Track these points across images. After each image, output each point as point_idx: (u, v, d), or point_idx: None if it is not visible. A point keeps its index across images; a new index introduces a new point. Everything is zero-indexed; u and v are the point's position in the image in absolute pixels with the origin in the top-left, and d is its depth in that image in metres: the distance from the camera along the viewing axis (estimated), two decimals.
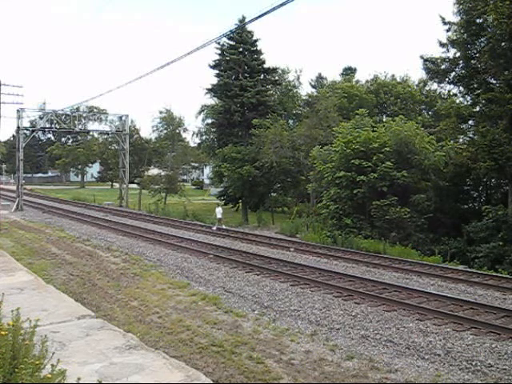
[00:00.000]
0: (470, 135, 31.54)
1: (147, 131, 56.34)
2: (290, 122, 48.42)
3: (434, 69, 31.29)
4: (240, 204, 42.00)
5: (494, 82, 27.79)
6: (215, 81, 42.58)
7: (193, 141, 57.75)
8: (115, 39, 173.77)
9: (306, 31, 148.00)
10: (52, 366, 4.62)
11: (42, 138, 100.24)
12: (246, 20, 36.17)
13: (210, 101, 50.17)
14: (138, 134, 53.17)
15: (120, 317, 11.38)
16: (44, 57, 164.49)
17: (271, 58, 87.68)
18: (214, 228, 28.65)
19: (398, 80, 52.04)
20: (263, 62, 42.03)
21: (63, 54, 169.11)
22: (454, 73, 30.48)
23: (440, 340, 9.90)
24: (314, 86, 60.19)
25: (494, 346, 9.55)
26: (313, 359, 9.09)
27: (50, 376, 4.51)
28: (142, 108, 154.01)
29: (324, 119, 35.28)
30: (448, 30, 29.81)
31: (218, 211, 29.94)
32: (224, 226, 29.45)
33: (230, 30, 37.03)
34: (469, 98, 31.03)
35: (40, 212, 38.17)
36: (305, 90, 63.97)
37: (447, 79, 31.22)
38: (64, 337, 7.96)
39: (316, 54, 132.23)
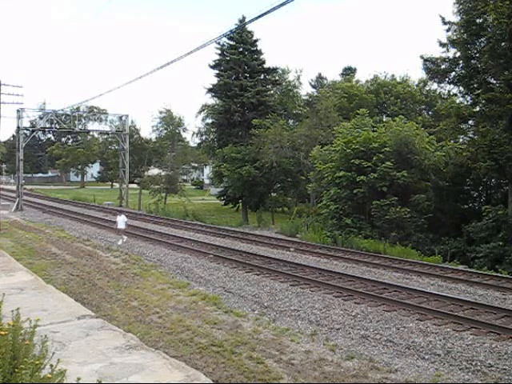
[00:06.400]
0: (470, 135, 31.48)
1: (147, 131, 56.43)
2: (290, 122, 48.40)
3: (434, 69, 31.25)
4: (240, 204, 42.00)
5: (494, 81, 27.75)
6: (215, 81, 42.59)
7: (193, 141, 57.78)
8: (115, 39, 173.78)
9: (305, 31, 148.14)
10: (51, 366, 4.62)
11: (42, 138, 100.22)
12: (246, 20, 36.14)
13: (210, 100, 50.23)
14: (138, 134, 53.13)
15: (120, 317, 11.37)
16: (44, 57, 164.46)
17: (271, 57, 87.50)
18: (120, 243, 21.93)
19: (398, 80, 51.97)
20: (263, 62, 42.01)
21: (63, 54, 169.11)
22: (454, 73, 30.42)
23: (440, 340, 9.89)
24: (314, 86, 60.15)
25: (493, 345, 9.54)
26: (313, 359, 9.09)
27: (49, 376, 4.52)
28: (142, 108, 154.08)
29: (324, 119, 35.27)
30: (448, 30, 29.77)
31: (121, 220, 22.51)
32: (124, 240, 22.16)
33: (230, 30, 37.07)
34: (469, 98, 30.97)
35: (40, 212, 38.16)
36: (305, 89, 64.11)
37: (447, 79, 31.16)
38: (64, 337, 7.97)
39: (316, 54, 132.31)
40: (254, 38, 41.72)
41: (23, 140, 40.31)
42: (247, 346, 9.65)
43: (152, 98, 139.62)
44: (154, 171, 52.05)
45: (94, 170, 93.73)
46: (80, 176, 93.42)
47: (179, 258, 18.86)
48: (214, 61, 42.35)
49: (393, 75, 54.05)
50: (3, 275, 13.16)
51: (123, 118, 45.97)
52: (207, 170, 68.66)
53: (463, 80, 29.54)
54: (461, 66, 29.76)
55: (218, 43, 40.98)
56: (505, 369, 8.57)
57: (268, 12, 12.18)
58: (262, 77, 42.33)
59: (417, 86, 51.64)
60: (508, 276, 17.31)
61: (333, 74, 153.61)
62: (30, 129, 43.92)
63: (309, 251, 21.54)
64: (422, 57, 31.44)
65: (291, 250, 21.83)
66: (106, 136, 66.19)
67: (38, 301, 10.37)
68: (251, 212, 39.80)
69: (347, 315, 11.61)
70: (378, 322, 11.07)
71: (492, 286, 15.08)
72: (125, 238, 22.34)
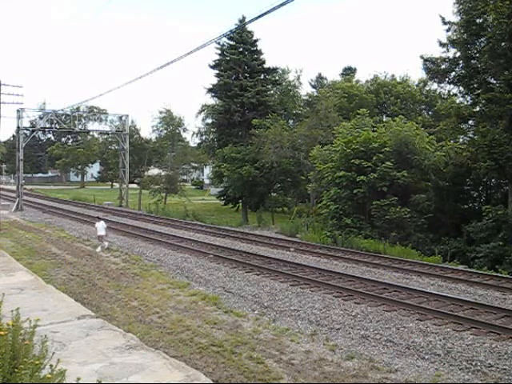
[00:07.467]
0: (470, 135, 31.50)
1: (147, 131, 56.37)
2: (290, 122, 48.36)
3: (434, 69, 31.27)
4: (240, 204, 42.00)
5: (494, 81, 27.77)
6: (215, 81, 42.61)
7: (193, 141, 57.72)
8: (115, 39, 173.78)
9: (306, 31, 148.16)
10: (51, 366, 4.62)
11: (42, 138, 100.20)
12: (246, 20, 36.14)
13: (211, 100, 50.16)
14: (138, 134, 53.11)
15: (120, 317, 11.37)
16: (44, 57, 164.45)
17: (271, 57, 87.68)
18: (98, 249, 20.81)
19: (398, 80, 51.97)
20: (263, 62, 42.03)
21: (63, 54, 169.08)
22: (454, 73, 30.45)
23: (440, 340, 9.89)
24: (314, 86, 60.14)
25: (493, 346, 9.54)
26: (313, 359, 9.09)
27: (49, 376, 4.51)
28: (142, 108, 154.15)
29: (324, 119, 35.26)
30: (448, 30, 29.80)
31: (100, 226, 21.42)
32: (107, 244, 21.19)
33: (230, 30, 37.08)
34: (469, 98, 31.00)
35: (40, 212, 38.15)
36: (305, 89, 63.98)
37: (447, 79, 31.19)
38: (64, 337, 7.96)
39: (316, 54, 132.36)
40: (254, 38, 41.74)
41: (23, 140, 40.32)
42: (247, 345, 9.65)
43: (152, 97, 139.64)
44: (154, 171, 52.06)
45: (94, 169, 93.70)
46: (80, 176, 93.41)
47: (179, 258, 18.85)
48: (214, 61, 42.38)
49: (393, 75, 54.11)
50: (3, 275, 13.16)
51: (123, 118, 45.96)
52: (207, 170, 68.61)
53: (463, 80, 29.56)
54: (461, 66, 29.78)
55: (218, 43, 41.05)
56: (505, 369, 8.57)
57: (268, 12, 12.20)
58: (262, 77, 42.33)
59: (417, 86, 51.64)
60: (508, 276, 17.31)
61: (333, 74, 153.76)
62: (30, 129, 43.91)
63: (309, 251, 21.53)
64: (421, 57, 31.50)
65: (291, 249, 21.82)
66: (106, 136, 66.19)
67: (38, 301, 10.37)
68: (251, 212, 39.80)
69: (347, 315, 11.61)
70: (378, 322, 11.07)
71: (492, 286, 15.07)
72: (106, 244, 21.21)
